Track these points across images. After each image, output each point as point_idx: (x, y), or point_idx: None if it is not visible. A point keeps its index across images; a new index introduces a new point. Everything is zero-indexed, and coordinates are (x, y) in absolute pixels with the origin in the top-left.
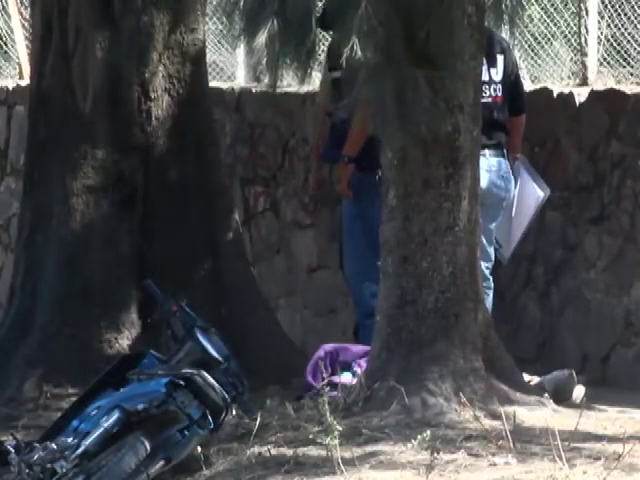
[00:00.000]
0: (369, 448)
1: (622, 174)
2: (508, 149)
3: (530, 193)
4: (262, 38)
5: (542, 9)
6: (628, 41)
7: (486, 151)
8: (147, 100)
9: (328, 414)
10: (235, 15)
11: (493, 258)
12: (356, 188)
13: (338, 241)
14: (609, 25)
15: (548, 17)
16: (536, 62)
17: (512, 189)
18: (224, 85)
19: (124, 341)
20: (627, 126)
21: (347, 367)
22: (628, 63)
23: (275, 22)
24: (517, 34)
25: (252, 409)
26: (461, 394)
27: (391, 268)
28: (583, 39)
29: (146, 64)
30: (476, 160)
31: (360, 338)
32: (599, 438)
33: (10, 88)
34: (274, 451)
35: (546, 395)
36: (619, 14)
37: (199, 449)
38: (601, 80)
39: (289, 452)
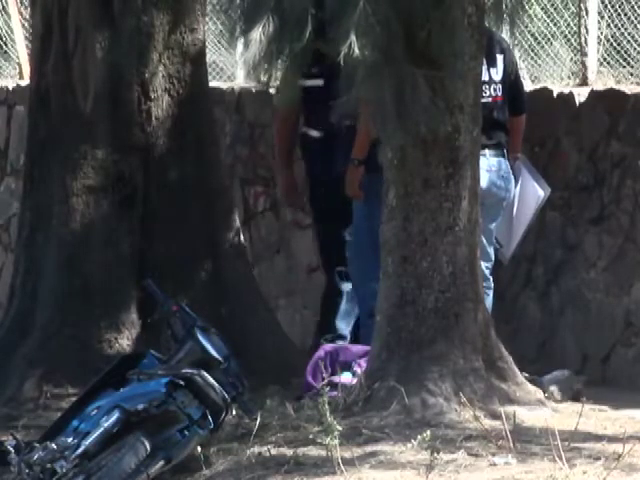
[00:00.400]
0: (369, 448)
1: (622, 174)
2: (508, 149)
3: (531, 192)
4: (257, 34)
5: (542, 9)
6: (628, 41)
7: (486, 151)
8: (147, 100)
9: (328, 414)
10: (232, 13)
11: (493, 258)
12: (366, 189)
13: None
14: (609, 25)
15: (548, 17)
16: (536, 62)
17: (512, 189)
18: (224, 85)
19: (124, 341)
20: (627, 126)
21: (347, 367)
22: (628, 63)
23: (271, 20)
24: (517, 34)
25: (252, 409)
26: (461, 394)
27: (391, 268)
28: (583, 39)
29: (146, 64)
30: (476, 160)
31: (362, 338)
32: (599, 438)
33: (10, 88)
34: (274, 451)
35: (546, 395)
36: (619, 14)
37: (199, 449)
38: (601, 80)
39: (289, 452)
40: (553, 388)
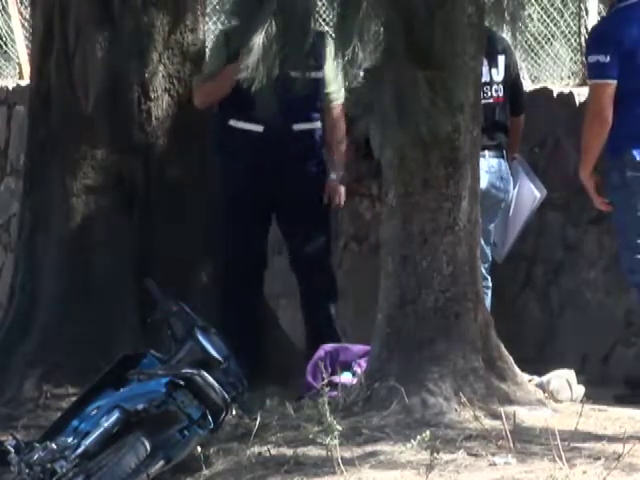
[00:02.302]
0: (369, 448)
1: None
2: (507, 150)
3: (527, 193)
4: (260, 38)
5: (542, 9)
6: None
7: (486, 152)
8: (147, 100)
9: (328, 414)
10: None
11: (490, 258)
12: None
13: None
14: None
15: (548, 17)
16: (536, 62)
17: (511, 190)
18: None
19: (124, 341)
20: None
21: (347, 367)
22: None
23: (273, 22)
24: (517, 34)
25: (252, 409)
26: (461, 394)
27: (391, 268)
28: (583, 39)
29: (146, 64)
30: (476, 160)
31: None
32: (599, 438)
33: (10, 88)
34: (274, 451)
35: (546, 395)
36: None
37: (199, 449)
38: None
39: (289, 452)
40: (553, 388)
